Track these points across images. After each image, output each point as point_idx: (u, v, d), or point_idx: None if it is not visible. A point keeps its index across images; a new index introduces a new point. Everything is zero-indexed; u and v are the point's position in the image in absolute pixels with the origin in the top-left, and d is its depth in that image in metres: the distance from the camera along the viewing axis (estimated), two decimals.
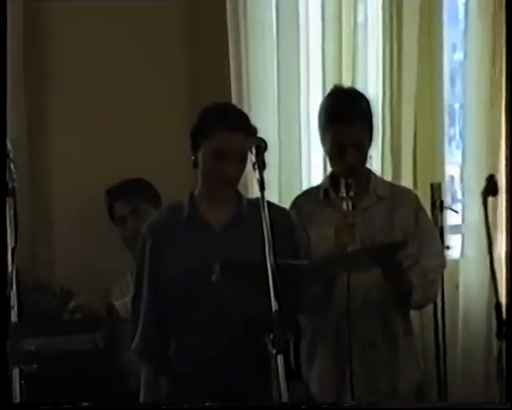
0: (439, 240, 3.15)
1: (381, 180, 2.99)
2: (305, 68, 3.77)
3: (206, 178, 2.62)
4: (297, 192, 3.20)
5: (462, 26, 3.79)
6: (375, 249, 2.66)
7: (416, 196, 3.00)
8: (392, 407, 2.51)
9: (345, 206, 2.68)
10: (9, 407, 2.16)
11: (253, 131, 2.61)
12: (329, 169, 2.99)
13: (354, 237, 2.62)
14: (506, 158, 2.37)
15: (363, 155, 2.83)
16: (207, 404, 2.29)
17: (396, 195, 2.90)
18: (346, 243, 2.60)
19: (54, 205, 3.71)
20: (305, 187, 3.66)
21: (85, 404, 2.23)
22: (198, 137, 2.61)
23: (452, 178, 4.00)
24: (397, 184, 3.32)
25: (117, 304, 3.28)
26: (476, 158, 3.64)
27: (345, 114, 2.76)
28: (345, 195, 2.68)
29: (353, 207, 2.68)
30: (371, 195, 2.86)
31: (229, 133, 2.56)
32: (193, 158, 2.64)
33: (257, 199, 2.31)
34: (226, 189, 2.63)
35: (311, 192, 3.00)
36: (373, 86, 3.70)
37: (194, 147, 2.63)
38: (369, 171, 2.93)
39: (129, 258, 3.40)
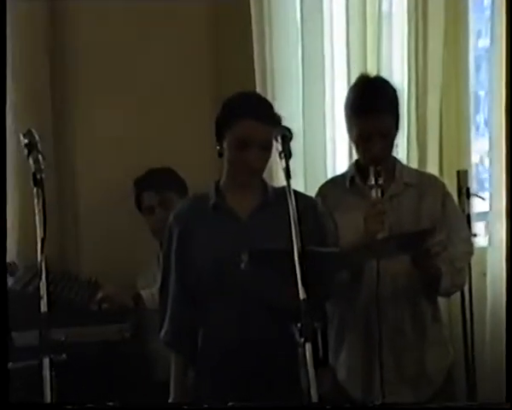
0: (467, 227, 3.13)
1: (406, 168, 2.98)
2: (329, 56, 3.76)
3: (231, 168, 2.63)
4: (322, 180, 3.19)
5: (487, 12, 3.76)
6: (404, 237, 2.65)
7: (443, 183, 2.99)
8: (393, 407, 2.50)
9: (374, 194, 2.67)
10: (9, 406, 2.17)
11: (277, 119, 2.61)
12: (354, 157, 2.98)
13: (384, 225, 2.60)
14: (506, 157, 2.35)
15: (390, 144, 2.82)
16: (230, 404, 2.29)
17: (423, 182, 2.90)
18: (376, 230, 2.60)
19: (80, 196, 3.74)
20: (330, 175, 3.66)
21: (90, 405, 2.25)
22: (222, 126, 2.62)
23: (478, 165, 3.97)
24: (423, 171, 3.31)
25: (144, 294, 3.30)
26: (502, 145, 3.61)
27: (372, 105, 2.75)
28: (374, 183, 2.68)
29: (382, 194, 2.67)
30: (398, 182, 2.85)
31: (252, 122, 2.56)
32: (218, 147, 2.64)
33: (282, 187, 2.31)
34: (251, 178, 2.63)
35: (337, 180, 2.99)
36: (398, 74, 3.67)
37: (219, 136, 2.64)
38: (395, 159, 2.93)
39: (155, 248, 3.42)
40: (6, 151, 2.33)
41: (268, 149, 2.55)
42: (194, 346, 2.66)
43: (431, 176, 3.09)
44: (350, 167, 2.96)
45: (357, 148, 2.84)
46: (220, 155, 2.64)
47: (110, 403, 2.36)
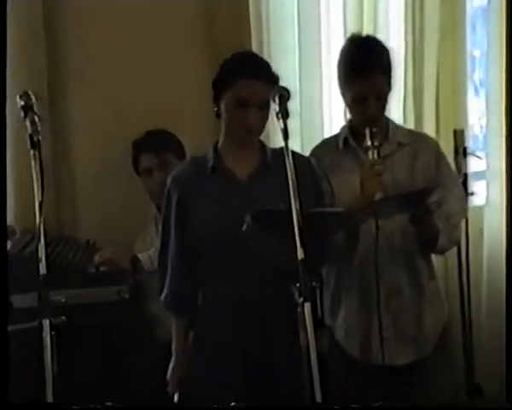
0: (461, 185, 3.14)
1: (399, 127, 2.98)
2: (325, 16, 3.74)
3: (230, 128, 2.62)
4: (318, 141, 3.19)
5: None
6: (404, 196, 2.65)
7: (436, 142, 3.00)
8: (392, 407, 2.52)
9: (370, 155, 2.67)
10: (9, 406, 2.19)
11: (274, 79, 2.60)
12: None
13: (381, 186, 2.61)
14: (506, 156, 2.35)
15: (384, 105, 2.81)
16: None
17: (416, 141, 2.90)
18: (374, 191, 2.60)
19: (77, 158, 3.72)
20: (326, 135, 3.66)
21: (92, 406, 2.26)
22: (220, 87, 2.61)
23: (474, 125, 3.97)
24: (416, 130, 3.31)
25: (141, 257, 3.30)
26: (499, 104, 3.61)
27: (365, 67, 2.73)
28: (370, 144, 2.67)
29: (378, 155, 2.67)
30: (391, 142, 2.85)
31: (250, 81, 2.55)
32: (215, 109, 2.64)
33: (280, 148, 2.31)
34: (249, 137, 2.62)
35: (330, 142, 2.98)
36: (395, 34, 3.66)
37: (217, 97, 2.63)
38: (388, 119, 2.92)
39: (153, 211, 3.42)
40: (6, 151, 2.32)
41: (266, 108, 2.55)
42: (195, 309, 2.67)
43: (424, 135, 3.10)
44: (342, 129, 2.95)
45: (351, 109, 2.83)
46: (218, 116, 2.64)
47: (108, 403, 2.38)
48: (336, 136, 2.95)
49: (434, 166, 2.86)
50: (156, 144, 3.41)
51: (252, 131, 2.59)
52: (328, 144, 2.97)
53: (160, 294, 2.73)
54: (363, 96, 2.74)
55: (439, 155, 2.90)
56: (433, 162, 2.86)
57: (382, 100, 2.78)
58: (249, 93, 2.54)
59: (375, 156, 2.66)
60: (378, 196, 2.60)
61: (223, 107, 2.60)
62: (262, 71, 2.60)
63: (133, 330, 3.25)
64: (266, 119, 2.60)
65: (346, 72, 2.79)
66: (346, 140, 2.88)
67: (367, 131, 2.67)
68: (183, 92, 3.63)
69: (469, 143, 3.55)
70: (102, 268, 3.30)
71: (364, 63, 2.73)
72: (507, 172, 2.36)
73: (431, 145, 2.92)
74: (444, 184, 2.80)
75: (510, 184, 2.32)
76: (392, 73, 2.83)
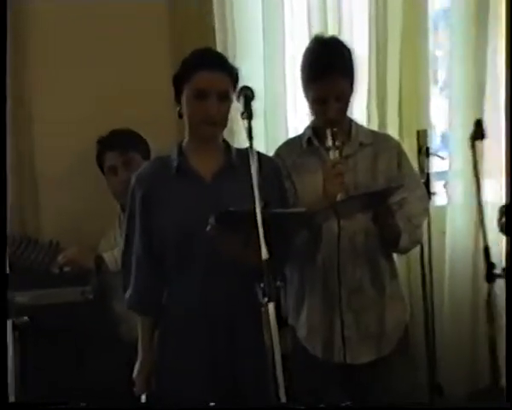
0: (423, 185, 3.17)
1: (361, 128, 2.99)
2: (290, 16, 3.76)
3: (192, 122, 2.62)
4: (282, 140, 3.20)
5: None
6: (366, 196, 2.67)
7: (398, 142, 3.02)
8: (391, 407, 2.54)
9: (332, 155, 2.68)
10: (7, 406, 2.17)
11: (233, 70, 2.64)
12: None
13: (343, 186, 2.62)
14: (506, 157, 2.39)
15: (345, 106, 2.82)
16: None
17: (378, 141, 2.92)
18: (335, 192, 2.61)
19: (40, 157, 3.69)
20: (291, 136, 3.67)
21: (83, 404, 2.25)
22: (180, 83, 2.63)
23: (437, 125, 4.01)
24: (378, 131, 3.33)
25: (106, 256, 3.29)
26: (462, 105, 3.64)
27: (326, 69, 2.74)
28: (331, 144, 2.69)
29: (340, 155, 2.68)
30: (353, 142, 2.87)
31: (208, 72, 2.57)
32: (178, 108, 2.64)
33: (245, 148, 2.32)
34: (212, 130, 2.62)
35: (294, 142, 2.99)
36: (359, 35, 3.68)
37: (178, 94, 2.64)
38: (350, 119, 2.93)
39: (117, 210, 3.41)
40: (6, 151, 2.30)
41: (226, 99, 2.58)
42: (160, 308, 2.67)
43: (386, 135, 3.12)
44: (306, 129, 2.96)
45: (313, 110, 2.85)
46: (180, 115, 2.64)
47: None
48: (300, 136, 2.97)
49: (396, 166, 2.88)
50: (121, 143, 3.40)
51: (213, 122, 2.59)
52: (291, 144, 2.98)
53: (125, 293, 2.72)
54: (324, 97, 2.75)
55: (401, 156, 2.92)
56: (394, 162, 2.88)
57: (343, 101, 2.79)
58: (207, 83, 2.56)
59: (337, 156, 2.68)
60: (340, 196, 2.61)
61: (184, 102, 2.61)
62: (219, 62, 2.63)
63: (98, 330, 3.24)
64: (227, 111, 2.61)
65: (307, 73, 2.81)
66: (309, 140, 2.90)
67: (328, 132, 2.69)
68: (148, 93, 3.62)
69: (434, 143, 3.58)
70: (66, 269, 3.28)
71: (325, 65, 2.75)
72: (506, 172, 2.40)
73: (393, 145, 2.94)
74: (406, 184, 2.82)
75: (510, 184, 2.36)
76: (355, 75, 2.84)
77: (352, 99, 2.86)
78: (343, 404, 2.49)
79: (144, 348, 2.72)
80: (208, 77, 2.57)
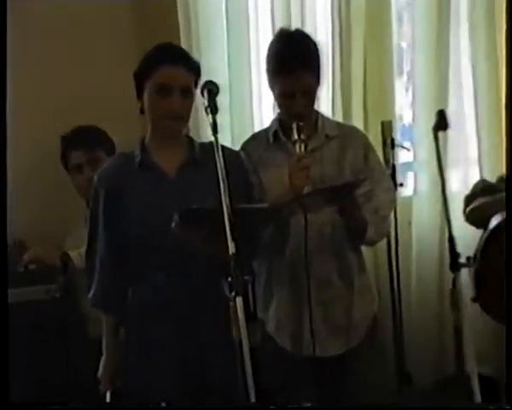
0: (389, 177, 3.18)
1: (328, 120, 2.99)
2: (253, 10, 3.75)
3: (154, 118, 2.60)
4: (248, 135, 3.19)
5: None
6: (332, 189, 2.67)
7: (364, 135, 3.02)
8: (391, 407, 2.55)
9: (298, 149, 2.68)
10: (9, 406, 2.16)
11: (195, 65, 2.63)
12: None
13: (309, 180, 2.62)
14: (506, 157, 2.39)
15: (312, 99, 2.82)
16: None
17: (344, 134, 2.92)
18: (301, 185, 2.60)
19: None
20: (256, 129, 3.67)
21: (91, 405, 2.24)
22: (141, 78, 2.61)
23: (402, 116, 4.03)
24: (344, 123, 3.33)
25: (72, 254, 3.27)
26: (425, 95, 3.67)
27: (291, 63, 2.73)
28: (297, 138, 2.68)
29: (306, 149, 2.68)
30: (320, 135, 2.87)
31: (170, 67, 2.56)
32: (140, 105, 2.62)
33: (209, 143, 2.32)
34: (175, 125, 2.60)
35: (260, 136, 2.98)
36: (322, 27, 3.69)
37: (139, 90, 2.62)
38: (317, 112, 2.93)
39: (82, 207, 3.39)
40: (6, 151, 2.27)
41: (189, 94, 2.57)
42: (124, 306, 2.65)
43: (352, 127, 3.13)
44: (272, 122, 2.96)
45: (279, 104, 2.84)
46: (142, 111, 2.62)
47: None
48: (266, 130, 2.96)
49: (363, 158, 2.88)
50: (86, 140, 3.37)
51: (176, 117, 2.58)
52: (258, 138, 2.98)
53: (89, 291, 2.70)
54: (290, 91, 2.75)
55: (368, 148, 2.92)
56: (361, 155, 2.88)
57: (309, 95, 2.79)
58: (169, 78, 2.55)
59: (303, 150, 2.68)
60: (306, 190, 2.61)
61: (146, 98, 2.59)
62: (181, 57, 2.62)
63: (64, 328, 3.22)
64: (190, 106, 2.60)
65: (273, 67, 2.80)
66: (275, 134, 2.89)
67: (294, 126, 2.68)
68: (113, 88, 3.60)
69: (397, 135, 3.60)
70: (31, 267, 3.26)
71: (291, 59, 2.74)
72: (507, 170, 2.41)
73: (359, 137, 2.95)
74: (372, 176, 2.83)
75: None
76: (321, 68, 2.84)
77: (318, 92, 2.85)
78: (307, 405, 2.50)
79: (108, 346, 2.71)
80: (170, 72, 2.56)
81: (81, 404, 2.62)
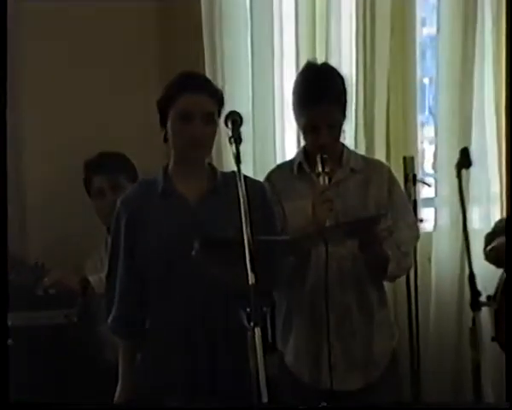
0: (412, 212, 3.17)
1: (353, 153, 2.99)
2: (278, 42, 3.77)
3: (177, 145, 2.61)
4: (271, 165, 3.20)
5: (433, 0, 3.81)
6: (353, 223, 2.67)
7: (389, 169, 3.01)
8: (390, 407, 2.53)
9: (322, 181, 2.68)
10: (9, 406, 2.16)
11: (217, 93, 2.64)
12: (303, 142, 2.99)
13: (332, 212, 2.62)
14: (506, 157, 2.39)
15: (338, 133, 2.82)
16: None
17: (369, 167, 2.91)
18: (324, 218, 2.60)
19: (26, 178, 3.68)
20: (278, 160, 3.68)
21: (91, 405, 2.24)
22: (165, 106, 2.61)
23: (424, 152, 4.03)
24: (369, 157, 3.33)
25: (92, 279, 3.28)
26: (448, 132, 3.67)
27: (319, 97, 2.74)
28: (321, 170, 2.69)
29: (330, 181, 2.69)
30: (344, 168, 2.87)
31: (192, 94, 2.57)
32: (163, 133, 2.63)
33: (232, 172, 2.32)
34: (196, 152, 2.61)
35: (285, 166, 2.99)
36: (346, 60, 3.70)
37: (163, 118, 2.63)
38: (342, 144, 2.93)
39: (104, 233, 3.40)
40: (6, 151, 2.28)
41: (211, 121, 2.57)
42: (142, 333, 2.65)
43: (377, 161, 3.12)
44: (298, 154, 2.97)
45: (305, 136, 2.85)
46: (165, 139, 2.63)
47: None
48: (292, 161, 2.97)
49: (387, 192, 2.87)
50: (109, 166, 3.39)
51: (198, 144, 2.59)
52: (282, 169, 2.99)
53: (108, 317, 2.71)
54: (316, 124, 2.76)
55: (392, 182, 2.92)
56: (385, 189, 2.87)
57: (335, 128, 2.79)
58: (193, 106, 2.56)
59: (326, 182, 2.68)
60: (328, 222, 2.61)
61: (169, 126, 2.60)
62: (203, 84, 2.64)
63: (82, 353, 3.22)
64: (212, 134, 2.60)
65: (299, 100, 2.81)
66: (300, 165, 2.89)
67: (318, 158, 2.69)
68: (136, 116, 3.62)
69: (419, 171, 3.60)
70: (51, 291, 3.27)
71: (317, 93, 2.75)
72: (507, 188, 2.41)
73: (384, 172, 2.93)
74: (396, 210, 2.83)
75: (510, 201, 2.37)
76: (346, 101, 2.84)
77: (343, 126, 2.86)
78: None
79: (125, 372, 2.71)
80: (192, 99, 2.57)
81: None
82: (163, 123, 2.64)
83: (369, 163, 2.96)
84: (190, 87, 2.59)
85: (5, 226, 2.26)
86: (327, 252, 2.66)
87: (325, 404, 2.50)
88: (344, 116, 2.83)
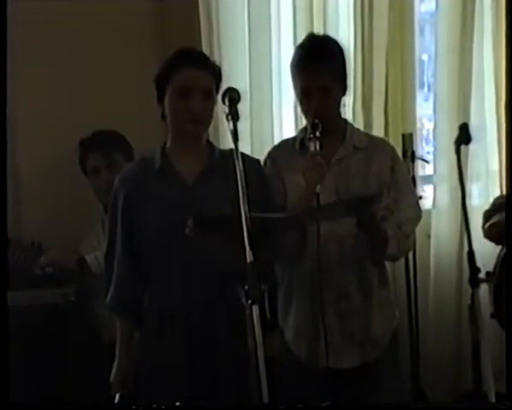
0: (415, 192, 3.13)
1: (357, 131, 2.96)
2: (275, 18, 3.75)
3: (175, 122, 2.60)
4: (268, 143, 3.20)
5: None
6: (350, 202, 2.65)
7: (392, 147, 2.97)
8: (391, 407, 2.52)
9: (312, 146, 2.66)
10: (9, 406, 2.15)
11: (216, 69, 2.63)
12: (300, 119, 2.97)
13: (323, 177, 2.59)
14: (506, 157, 2.37)
15: (332, 101, 2.78)
16: None
17: (372, 145, 2.88)
18: (314, 182, 2.58)
19: (21, 157, 3.66)
20: (276, 137, 3.67)
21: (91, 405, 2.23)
22: (162, 82, 2.60)
23: (422, 129, 4.01)
24: (373, 135, 3.30)
25: (88, 258, 3.27)
26: (447, 108, 3.65)
27: (312, 59, 2.74)
28: (312, 135, 2.67)
29: (321, 147, 2.65)
30: (347, 145, 2.84)
31: (191, 70, 2.57)
32: (161, 110, 2.62)
33: (229, 149, 2.31)
34: (195, 128, 2.60)
35: (288, 143, 2.97)
36: (344, 37, 3.67)
37: (160, 95, 2.62)
38: (346, 121, 2.91)
39: (99, 211, 3.39)
40: (6, 152, 2.27)
41: (209, 97, 2.57)
42: (140, 311, 2.65)
43: (381, 140, 3.09)
44: (301, 130, 2.94)
45: (301, 105, 2.82)
46: (163, 116, 2.62)
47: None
48: (294, 138, 2.95)
49: (389, 171, 2.83)
50: (104, 144, 3.38)
51: (197, 120, 2.58)
52: (284, 145, 2.97)
53: (106, 295, 2.70)
54: (308, 88, 2.73)
55: (395, 161, 2.88)
56: (388, 168, 2.84)
57: (329, 95, 2.75)
58: (191, 80, 2.55)
59: (317, 148, 2.65)
60: (326, 200, 2.58)
61: (167, 102, 2.59)
62: (202, 60, 2.63)
63: (79, 332, 3.22)
64: (211, 110, 2.59)
65: (295, 64, 2.80)
66: (302, 141, 2.87)
67: (308, 123, 2.67)
68: (132, 94, 3.60)
69: (418, 148, 3.58)
70: (48, 269, 3.26)
71: (311, 54, 2.75)
72: (507, 173, 2.39)
73: (387, 150, 2.90)
74: (398, 190, 2.80)
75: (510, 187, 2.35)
76: (345, 71, 2.82)
77: (341, 98, 2.83)
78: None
79: (122, 350, 2.71)
80: (191, 74, 2.56)
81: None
82: (160, 100, 2.62)
83: (373, 141, 2.93)
84: (188, 62, 2.58)
85: (5, 225, 2.24)
86: (318, 230, 2.62)
87: (328, 403, 2.50)
88: (340, 84, 2.79)
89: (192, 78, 2.55)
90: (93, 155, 3.39)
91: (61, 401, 2.47)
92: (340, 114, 2.87)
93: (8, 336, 2.26)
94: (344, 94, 2.83)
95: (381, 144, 2.93)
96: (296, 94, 2.82)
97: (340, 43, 2.88)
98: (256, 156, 2.91)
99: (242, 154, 2.24)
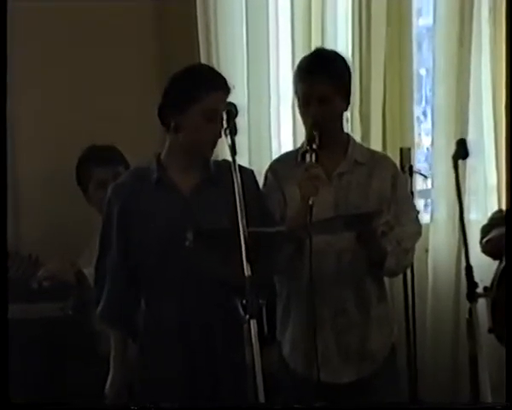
0: (416, 209, 3.13)
1: (359, 146, 2.96)
2: (274, 31, 3.77)
3: (194, 141, 2.57)
4: (266, 157, 3.20)
5: None
6: (350, 217, 2.65)
7: (394, 164, 2.97)
8: (391, 407, 2.52)
9: (308, 158, 2.66)
10: (9, 406, 2.15)
11: (230, 90, 2.63)
12: (299, 133, 2.98)
13: (318, 190, 2.59)
14: (506, 150, 2.38)
15: (330, 112, 2.78)
16: None
17: (374, 161, 2.88)
18: (309, 195, 2.57)
19: (20, 170, 3.66)
20: (274, 150, 3.69)
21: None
22: (185, 99, 2.55)
23: (420, 143, 4.01)
24: (376, 150, 3.29)
25: (86, 271, 3.26)
26: (445, 123, 3.65)
27: (312, 66, 2.76)
28: (308, 147, 2.67)
29: (316, 159, 2.65)
30: (348, 160, 2.84)
31: (221, 94, 2.56)
32: (172, 124, 2.56)
33: (224, 161, 2.32)
34: (211, 151, 2.60)
35: (289, 155, 2.98)
36: (342, 51, 3.66)
37: (179, 111, 2.56)
38: (348, 136, 2.92)
39: (98, 224, 3.38)
40: (6, 152, 2.27)
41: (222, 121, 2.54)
42: (132, 322, 2.64)
43: (382, 155, 3.09)
44: (302, 144, 2.95)
45: (301, 116, 2.83)
46: (168, 128, 2.58)
47: None
48: (297, 150, 2.95)
49: (390, 187, 2.84)
50: (110, 158, 3.39)
51: (215, 143, 2.59)
52: (286, 158, 2.97)
53: (97, 305, 2.68)
54: (307, 97, 2.74)
55: (397, 177, 2.88)
56: (389, 184, 2.84)
57: (327, 106, 2.75)
58: (219, 105, 2.49)
59: (313, 160, 2.65)
60: (325, 215, 2.58)
61: (189, 120, 2.55)
62: (226, 84, 2.61)
63: (77, 346, 3.21)
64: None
65: (296, 73, 2.81)
66: (304, 154, 2.86)
67: (307, 135, 2.68)
68: (127, 109, 3.61)
69: (415, 162, 3.59)
70: (46, 283, 3.25)
71: (312, 64, 2.76)
72: (507, 188, 2.39)
73: (389, 166, 2.90)
74: (399, 206, 2.81)
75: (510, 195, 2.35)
76: (348, 85, 2.83)
77: (343, 112, 2.84)
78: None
79: (116, 362, 2.71)
80: (221, 98, 2.53)
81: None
82: (176, 115, 2.57)
83: (374, 156, 2.93)
84: (219, 85, 2.57)
85: (5, 229, 2.24)
86: (310, 243, 2.61)
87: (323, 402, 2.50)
88: (343, 100, 2.80)
89: (220, 102, 2.49)
90: (99, 169, 3.38)
91: None
92: (342, 127, 2.87)
93: (6, 335, 2.26)
94: (346, 109, 2.84)
95: (382, 160, 2.93)
96: (298, 105, 2.83)
97: (346, 59, 2.89)
98: (254, 169, 2.91)
99: (238, 166, 2.25)
